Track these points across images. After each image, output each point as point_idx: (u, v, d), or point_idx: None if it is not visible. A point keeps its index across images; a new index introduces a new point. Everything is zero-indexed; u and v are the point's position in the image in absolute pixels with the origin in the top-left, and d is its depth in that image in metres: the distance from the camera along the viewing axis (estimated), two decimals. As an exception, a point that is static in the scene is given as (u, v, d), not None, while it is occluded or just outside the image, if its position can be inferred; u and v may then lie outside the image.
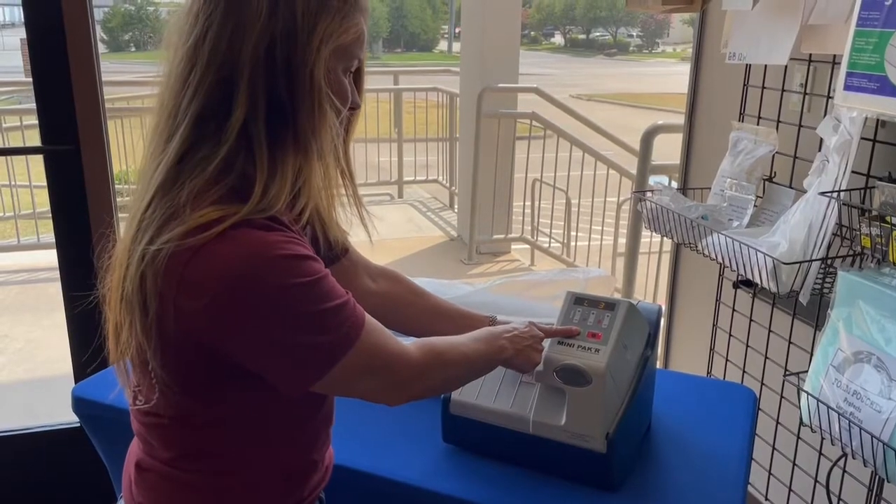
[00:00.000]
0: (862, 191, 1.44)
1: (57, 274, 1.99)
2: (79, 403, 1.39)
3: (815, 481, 1.70)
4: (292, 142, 0.86)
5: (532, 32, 37.64)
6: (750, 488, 1.91)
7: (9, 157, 4.79)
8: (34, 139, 1.96)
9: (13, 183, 4.87)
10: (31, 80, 1.87)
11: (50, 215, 2.01)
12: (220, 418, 0.92)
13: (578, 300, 1.20)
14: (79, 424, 1.42)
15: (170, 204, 0.84)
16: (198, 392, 0.90)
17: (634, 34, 36.65)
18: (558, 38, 39.17)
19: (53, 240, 1.99)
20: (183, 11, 0.88)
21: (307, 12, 0.85)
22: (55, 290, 2.03)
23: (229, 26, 0.84)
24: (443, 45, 35.20)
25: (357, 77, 0.96)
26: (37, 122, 1.91)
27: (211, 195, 0.83)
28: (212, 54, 0.84)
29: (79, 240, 1.95)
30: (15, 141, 5.09)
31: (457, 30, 26.32)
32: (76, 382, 1.46)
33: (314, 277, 0.84)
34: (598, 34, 37.60)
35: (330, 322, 0.86)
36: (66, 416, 2.01)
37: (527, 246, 4.85)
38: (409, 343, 0.96)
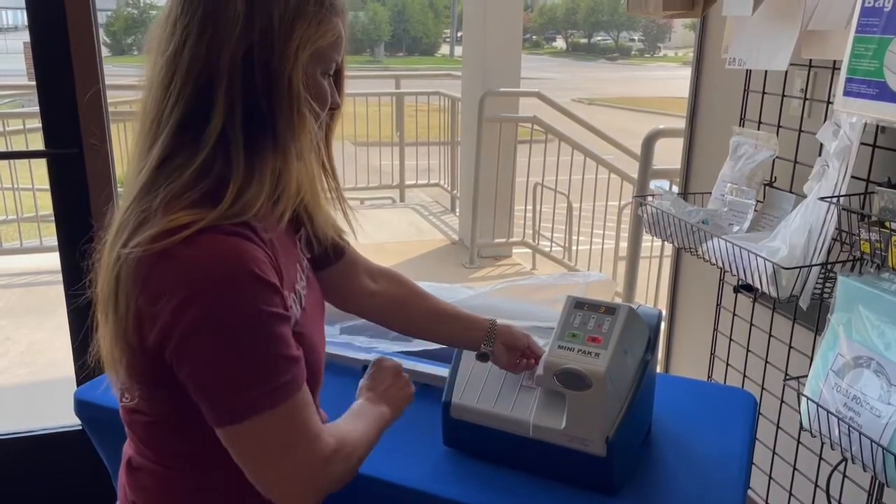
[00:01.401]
0: (862, 196, 1.44)
1: (59, 277, 1.99)
2: (81, 406, 1.39)
3: (816, 486, 1.70)
4: (271, 146, 0.86)
5: (534, 36, 37.70)
6: (750, 492, 1.91)
7: (12, 161, 4.80)
8: (37, 142, 1.97)
9: (16, 186, 4.88)
10: (34, 83, 1.87)
11: (52, 218, 2.02)
12: (196, 419, 0.89)
13: (579, 304, 1.20)
14: (81, 427, 1.43)
15: (144, 208, 0.84)
16: (165, 396, 0.89)
17: (636, 38, 36.71)
18: (560, 42, 39.21)
19: (56, 243, 2.00)
20: (161, 18, 0.88)
21: (284, 18, 0.84)
22: (57, 294, 2.04)
23: (207, 34, 0.84)
24: (444, 49, 35.28)
25: (337, 77, 0.96)
26: (40, 125, 1.92)
27: (184, 200, 0.83)
28: (191, 63, 0.84)
29: (81, 242, 1.95)
30: (18, 144, 5.10)
31: (459, 34, 26.33)
32: (78, 385, 1.46)
33: (277, 311, 0.83)
34: (599, 38, 37.63)
35: (276, 367, 0.82)
36: (68, 419, 2.02)
37: (528, 250, 4.86)
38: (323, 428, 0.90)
